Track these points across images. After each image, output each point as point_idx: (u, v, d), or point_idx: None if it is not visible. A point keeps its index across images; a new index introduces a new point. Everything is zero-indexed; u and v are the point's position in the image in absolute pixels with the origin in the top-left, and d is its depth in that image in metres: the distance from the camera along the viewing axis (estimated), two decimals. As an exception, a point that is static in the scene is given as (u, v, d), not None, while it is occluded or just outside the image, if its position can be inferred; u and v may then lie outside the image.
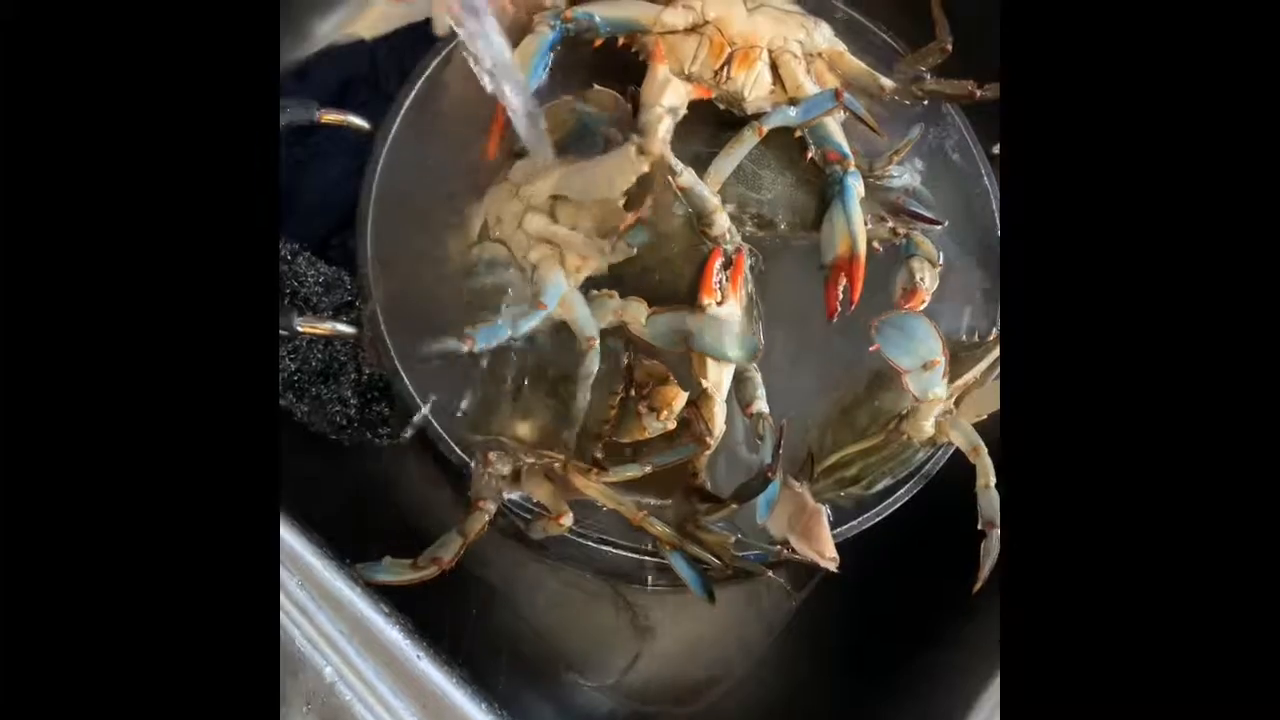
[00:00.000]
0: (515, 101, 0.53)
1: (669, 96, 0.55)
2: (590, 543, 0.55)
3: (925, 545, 0.67)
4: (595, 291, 0.55)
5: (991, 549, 0.52)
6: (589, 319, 0.53)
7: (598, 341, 0.53)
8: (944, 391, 0.52)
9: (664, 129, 0.53)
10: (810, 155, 0.60)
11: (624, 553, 0.55)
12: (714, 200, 0.55)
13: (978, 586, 0.52)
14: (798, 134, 0.60)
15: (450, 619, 0.61)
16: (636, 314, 0.53)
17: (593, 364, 0.52)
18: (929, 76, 0.63)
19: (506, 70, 0.51)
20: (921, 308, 0.57)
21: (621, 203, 0.52)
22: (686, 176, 0.54)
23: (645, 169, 0.51)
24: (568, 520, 0.51)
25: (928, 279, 0.57)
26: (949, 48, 0.63)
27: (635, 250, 0.53)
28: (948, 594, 0.61)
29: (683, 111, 0.57)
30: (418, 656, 0.46)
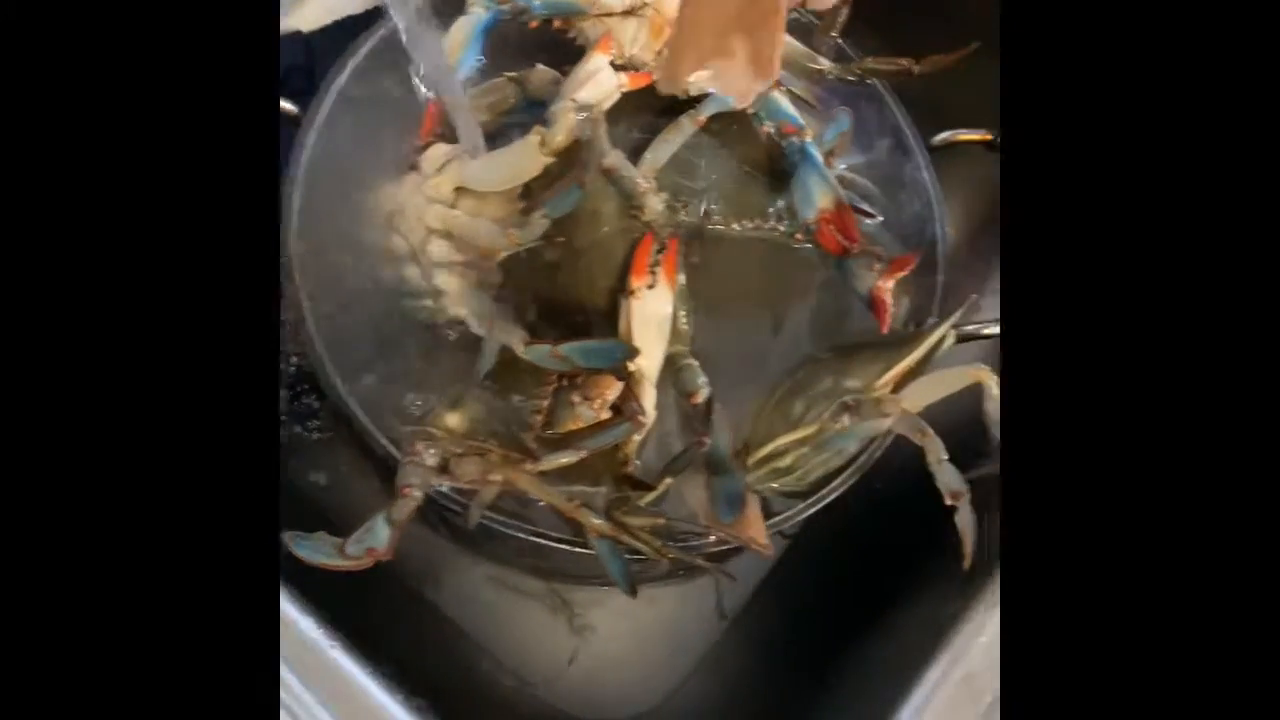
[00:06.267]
0: (443, 86, 0.52)
1: (586, 91, 0.54)
2: (522, 534, 0.53)
3: (863, 537, 0.66)
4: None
5: (966, 519, 0.50)
6: (485, 311, 0.52)
7: (495, 327, 0.52)
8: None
9: (576, 121, 0.52)
10: (765, 131, 0.60)
11: (562, 546, 0.54)
12: (643, 183, 0.54)
13: (968, 563, 0.51)
14: (750, 111, 0.59)
15: (374, 615, 0.59)
16: (516, 339, 0.52)
17: (490, 349, 0.52)
18: (858, 56, 0.63)
19: (435, 55, 0.50)
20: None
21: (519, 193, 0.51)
22: (613, 158, 0.53)
23: (547, 161, 0.50)
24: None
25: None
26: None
27: (549, 223, 0.51)
28: (887, 584, 0.61)
29: (606, 104, 0.56)
30: (330, 646, 0.44)
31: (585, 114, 0.52)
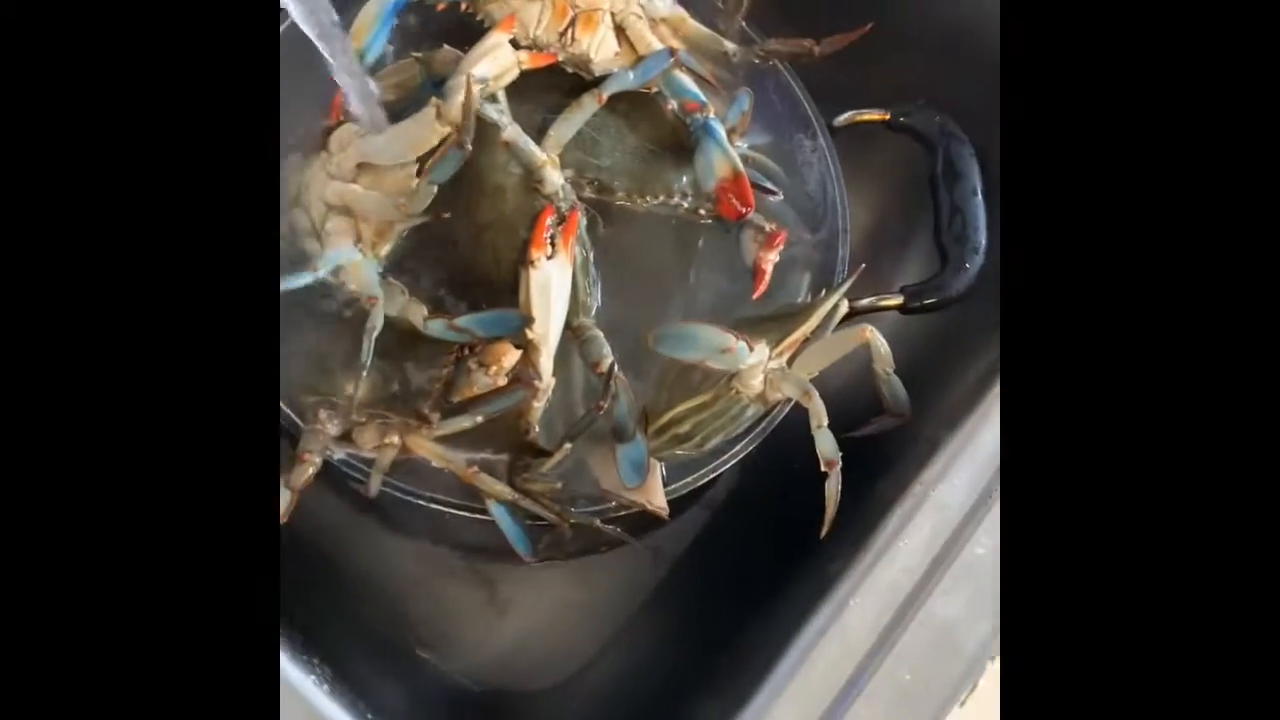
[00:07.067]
0: (343, 67, 0.53)
1: (484, 65, 0.55)
2: (421, 501, 0.54)
3: (779, 510, 0.68)
4: (391, 280, 0.56)
5: (833, 487, 0.53)
6: (374, 284, 0.53)
7: (380, 300, 0.53)
8: (760, 358, 0.53)
9: (473, 93, 0.53)
10: (668, 108, 0.61)
11: (461, 513, 0.55)
12: (540, 156, 0.55)
13: (825, 530, 0.53)
14: (654, 89, 0.61)
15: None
16: (416, 314, 0.53)
17: (376, 319, 0.52)
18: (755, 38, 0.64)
19: (334, 34, 0.51)
20: (777, 251, 0.58)
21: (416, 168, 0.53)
22: (510, 131, 0.54)
23: (444, 132, 0.52)
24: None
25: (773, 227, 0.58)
26: None
27: (434, 190, 0.52)
28: (791, 553, 0.62)
29: (504, 79, 0.57)
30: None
31: (481, 84, 0.53)
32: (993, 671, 0.48)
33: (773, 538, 0.68)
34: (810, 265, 0.62)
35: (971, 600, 0.48)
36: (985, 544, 0.49)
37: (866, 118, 0.66)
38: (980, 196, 0.62)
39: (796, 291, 0.62)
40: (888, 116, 0.66)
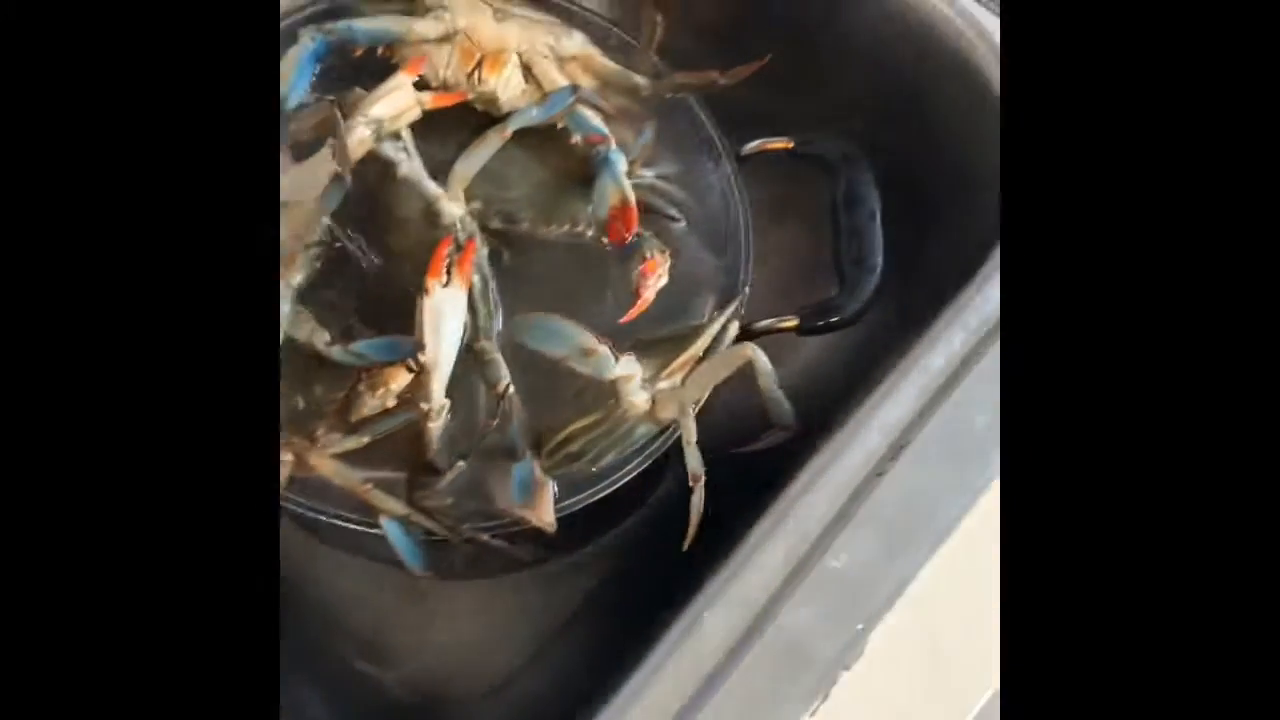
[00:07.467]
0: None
1: (381, 106, 0.59)
2: (321, 516, 0.57)
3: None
4: (300, 308, 0.59)
5: (697, 501, 0.56)
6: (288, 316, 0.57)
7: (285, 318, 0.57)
8: (629, 370, 0.55)
9: (364, 134, 0.56)
10: (573, 142, 0.64)
11: (358, 528, 0.58)
12: (434, 190, 0.59)
13: (687, 544, 0.55)
14: (561, 125, 0.64)
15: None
16: (319, 340, 0.57)
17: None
18: (666, 72, 0.67)
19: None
20: (658, 277, 0.60)
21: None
22: (405, 167, 0.58)
23: (337, 172, 0.55)
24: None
25: (658, 255, 0.60)
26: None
27: (326, 220, 0.56)
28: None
29: (404, 119, 0.60)
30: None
31: (374, 125, 0.56)
32: (845, 682, 0.49)
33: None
34: (715, 288, 0.64)
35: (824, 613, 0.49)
36: (841, 558, 0.50)
37: (772, 146, 0.68)
38: (878, 219, 0.64)
39: (699, 314, 0.64)
40: (792, 144, 0.68)
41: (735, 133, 0.69)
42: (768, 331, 0.63)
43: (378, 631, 0.72)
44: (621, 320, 0.57)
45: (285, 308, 0.58)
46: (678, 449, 0.58)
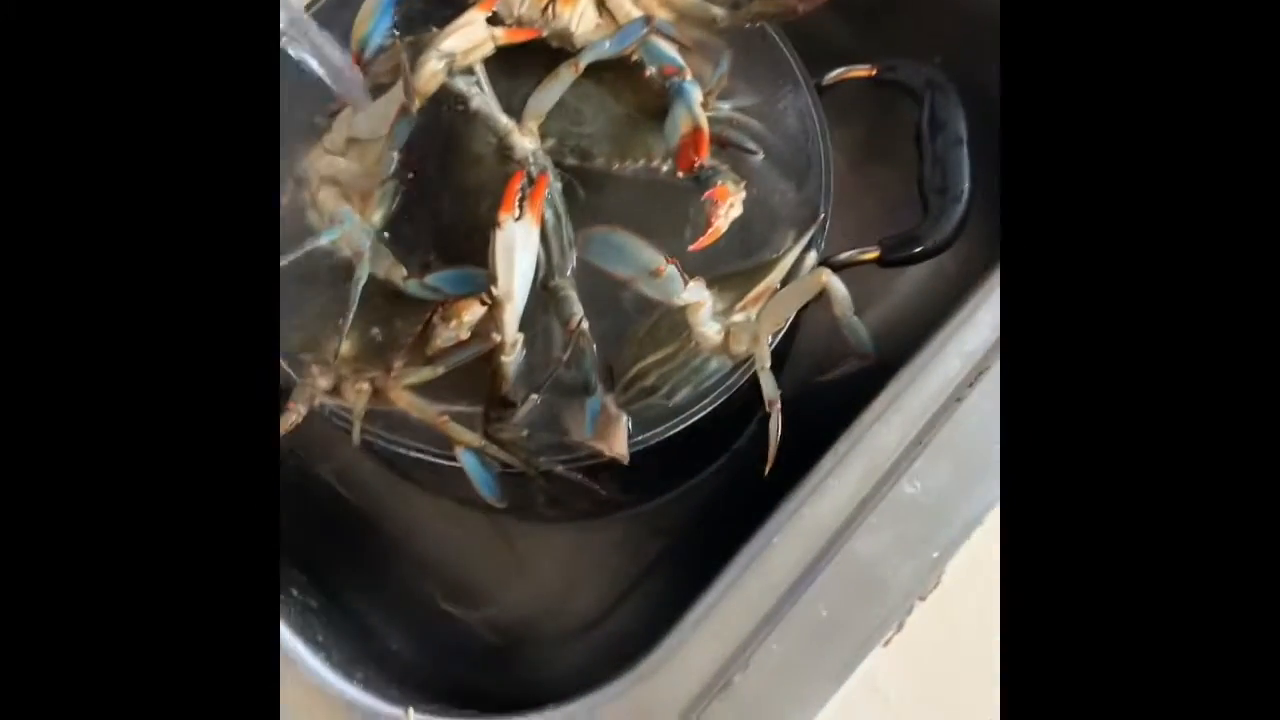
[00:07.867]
0: (310, 53, 0.58)
1: (453, 40, 0.59)
2: (402, 449, 0.58)
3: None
4: (379, 245, 0.59)
5: (775, 425, 0.54)
6: (362, 245, 0.58)
7: (366, 256, 0.57)
8: (698, 296, 0.54)
9: (437, 68, 0.57)
10: (648, 75, 0.63)
11: (437, 460, 0.59)
12: (506, 124, 0.59)
13: (768, 468, 0.54)
14: (635, 57, 0.63)
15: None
16: (396, 275, 0.58)
17: (361, 273, 0.57)
18: (743, 1, 0.65)
19: (298, 23, 0.56)
20: (730, 206, 0.58)
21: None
22: (477, 101, 0.58)
23: (404, 105, 0.55)
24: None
25: (731, 185, 0.59)
26: None
27: (395, 156, 0.56)
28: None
29: (476, 54, 0.60)
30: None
31: (447, 59, 0.57)
32: (921, 611, 0.47)
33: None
34: (794, 222, 0.63)
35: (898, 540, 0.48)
36: (917, 485, 0.48)
37: (854, 74, 0.66)
38: (965, 145, 0.61)
39: (778, 249, 0.62)
40: (875, 72, 0.66)
41: (815, 64, 0.67)
42: (849, 264, 0.61)
43: (464, 572, 0.73)
44: (691, 248, 0.56)
45: (364, 243, 0.58)
46: (758, 390, 0.57)
